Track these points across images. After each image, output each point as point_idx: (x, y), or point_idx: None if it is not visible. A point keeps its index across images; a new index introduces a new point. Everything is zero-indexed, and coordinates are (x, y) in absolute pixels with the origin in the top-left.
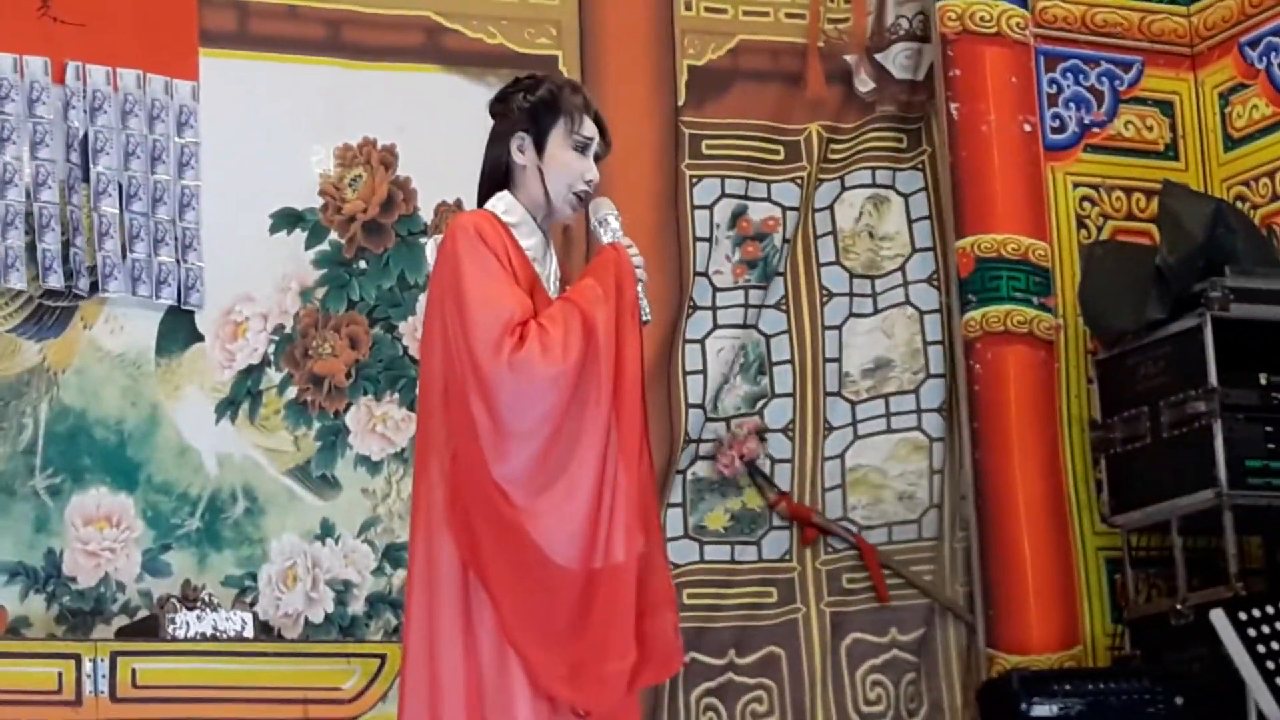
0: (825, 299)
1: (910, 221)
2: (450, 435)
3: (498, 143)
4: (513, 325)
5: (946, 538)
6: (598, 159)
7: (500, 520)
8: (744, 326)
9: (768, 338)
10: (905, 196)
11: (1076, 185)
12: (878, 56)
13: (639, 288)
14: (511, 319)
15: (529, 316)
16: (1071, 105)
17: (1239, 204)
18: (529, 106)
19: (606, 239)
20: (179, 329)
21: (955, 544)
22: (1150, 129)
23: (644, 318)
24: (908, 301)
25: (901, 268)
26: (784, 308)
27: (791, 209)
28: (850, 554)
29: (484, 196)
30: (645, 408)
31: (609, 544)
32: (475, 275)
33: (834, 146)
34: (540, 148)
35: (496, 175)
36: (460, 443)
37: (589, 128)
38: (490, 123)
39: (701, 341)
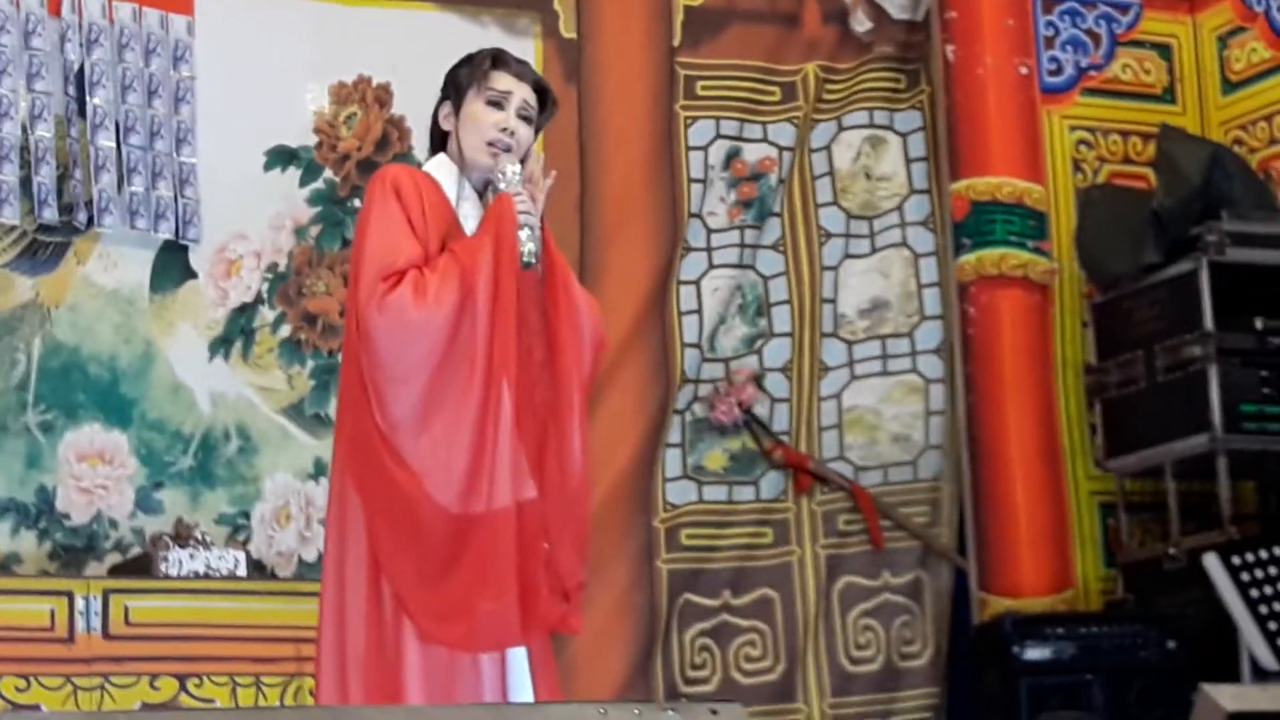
0: (823, 239)
1: (908, 162)
2: (347, 393)
3: (433, 120)
4: (390, 271)
5: (949, 478)
6: (528, 120)
7: (381, 463)
8: (740, 266)
9: (765, 279)
10: (903, 136)
11: (1073, 129)
12: None
13: (524, 233)
14: (391, 265)
15: (415, 265)
16: (1068, 48)
17: (1236, 148)
18: (449, 78)
19: (500, 189)
20: (173, 266)
21: (955, 484)
22: (1148, 72)
23: (525, 260)
24: (904, 243)
25: (899, 208)
26: (781, 249)
27: (788, 149)
28: (847, 494)
29: None
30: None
31: (492, 488)
32: (376, 224)
33: (830, 87)
34: (458, 110)
35: (434, 148)
36: (356, 387)
37: (501, 81)
38: None
39: (696, 282)
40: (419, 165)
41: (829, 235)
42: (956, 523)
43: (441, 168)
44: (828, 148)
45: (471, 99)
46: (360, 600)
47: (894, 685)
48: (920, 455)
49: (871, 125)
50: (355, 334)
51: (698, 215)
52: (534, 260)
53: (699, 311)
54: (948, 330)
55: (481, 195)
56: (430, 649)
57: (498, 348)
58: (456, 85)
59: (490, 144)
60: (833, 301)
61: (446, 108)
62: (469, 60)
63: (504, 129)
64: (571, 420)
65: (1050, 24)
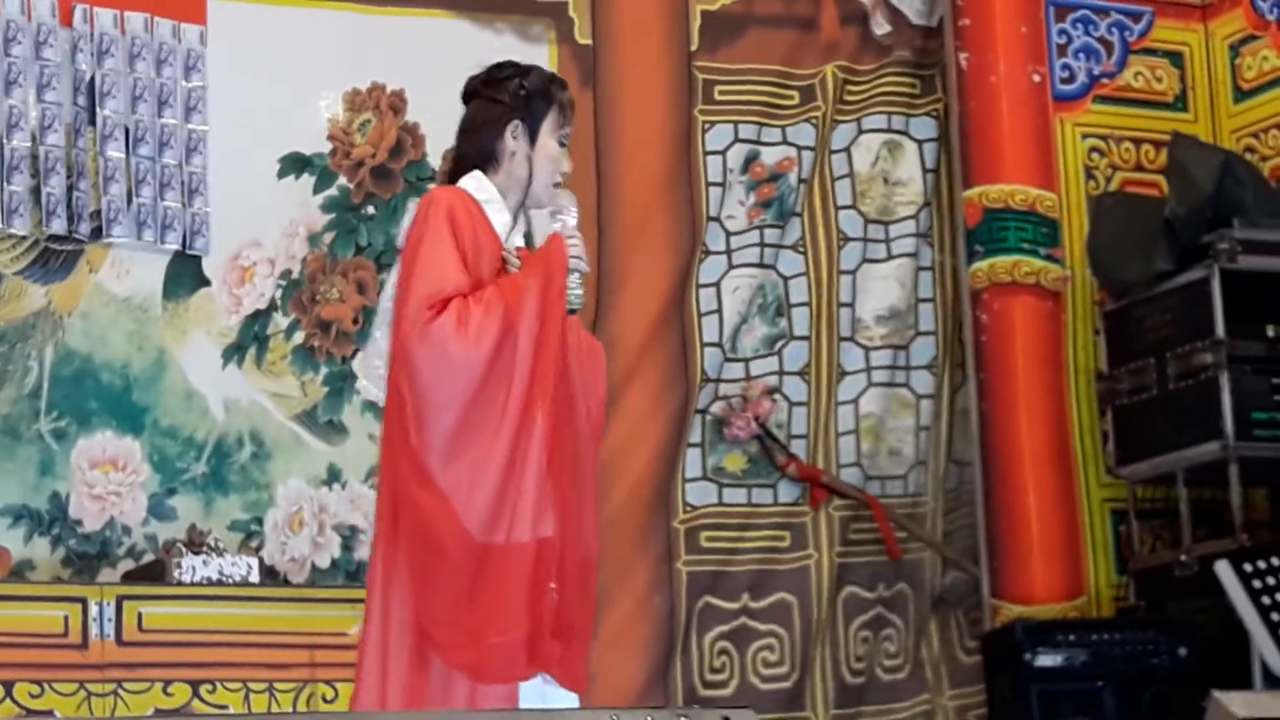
0: (842, 242)
1: (924, 171)
2: (393, 402)
3: (489, 127)
4: (438, 298)
5: (933, 493)
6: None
7: (409, 489)
8: (761, 266)
9: (785, 279)
10: (919, 143)
11: (1085, 136)
12: (893, 0)
13: (574, 278)
14: (439, 292)
15: (461, 294)
16: (1081, 56)
17: (1248, 156)
18: (525, 95)
19: (555, 229)
20: (186, 273)
21: (937, 502)
22: (1160, 80)
23: (572, 306)
24: (915, 254)
25: (915, 215)
26: (801, 249)
27: (808, 149)
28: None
29: (456, 175)
30: (572, 399)
31: (513, 522)
32: (428, 250)
33: (850, 88)
34: (533, 136)
35: (479, 157)
36: (391, 410)
37: (570, 125)
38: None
39: (716, 284)
40: (433, 173)
41: (847, 239)
42: (940, 536)
43: (484, 189)
44: (848, 150)
45: (549, 132)
46: (404, 653)
47: (883, 698)
48: (910, 470)
49: (889, 130)
50: (399, 356)
51: (716, 219)
52: (581, 305)
53: (719, 311)
54: (943, 343)
55: (514, 218)
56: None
57: (535, 387)
58: (531, 109)
59: (556, 185)
60: (850, 306)
61: (517, 127)
62: (540, 80)
63: (565, 172)
64: (593, 476)
65: (1063, 32)
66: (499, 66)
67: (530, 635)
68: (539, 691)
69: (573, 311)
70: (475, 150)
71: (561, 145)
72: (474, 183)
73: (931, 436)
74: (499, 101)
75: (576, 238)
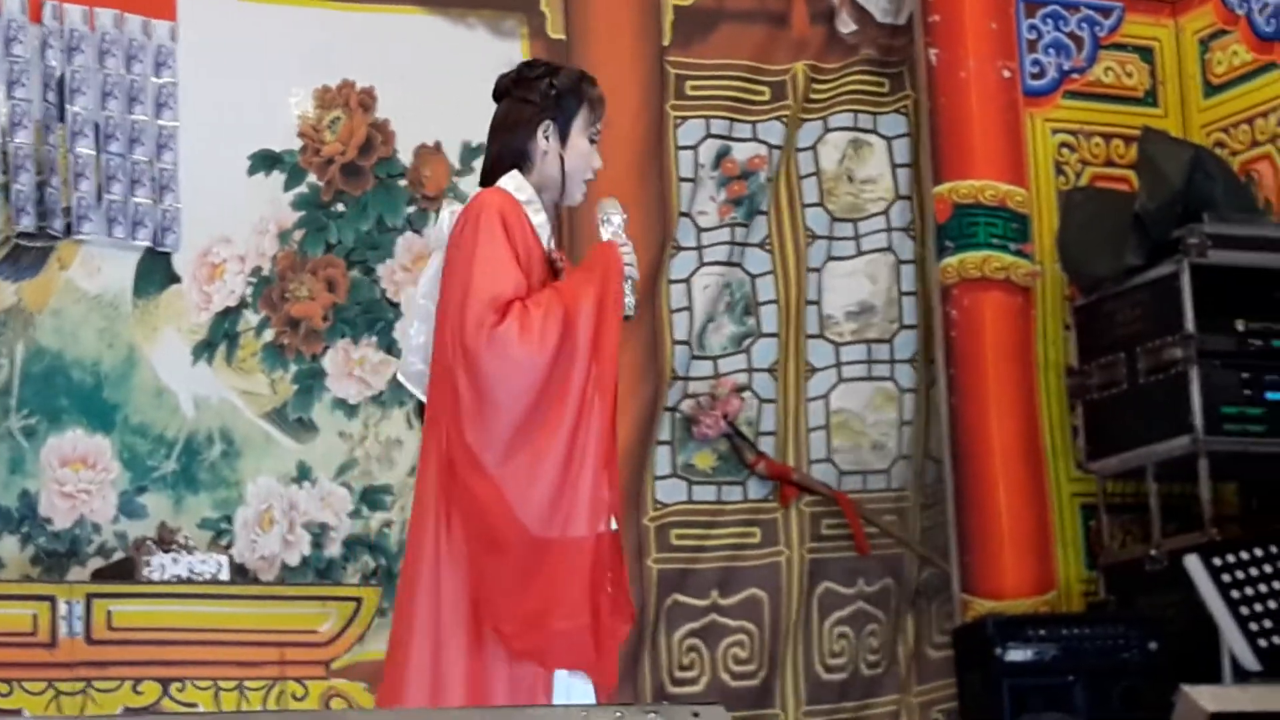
0: (809, 240)
1: (894, 167)
2: (440, 404)
3: (521, 127)
4: (500, 303)
5: (915, 488)
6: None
7: (467, 485)
8: (729, 264)
9: (753, 277)
10: (888, 140)
11: (1055, 131)
12: None
13: (627, 285)
14: (500, 297)
15: (520, 297)
16: (1051, 51)
17: (1218, 150)
18: (556, 94)
19: (605, 236)
20: (156, 270)
21: (918, 497)
22: (1130, 75)
23: (627, 313)
24: (890, 248)
25: (885, 212)
26: (768, 247)
27: (777, 147)
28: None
29: (493, 174)
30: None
31: (569, 516)
32: (485, 252)
33: (816, 86)
34: (564, 135)
35: (513, 157)
36: (447, 411)
37: (601, 122)
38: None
39: (687, 280)
40: (404, 169)
41: (814, 236)
42: (920, 532)
43: (523, 190)
44: (814, 148)
45: (579, 131)
46: (460, 629)
47: (863, 694)
48: (893, 464)
49: (855, 128)
50: (454, 354)
51: (687, 214)
52: (634, 312)
53: (689, 308)
54: (922, 337)
55: (549, 217)
56: (518, 682)
57: (591, 389)
58: (562, 107)
59: (587, 181)
60: (817, 303)
61: (549, 127)
62: (570, 79)
63: (597, 168)
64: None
65: (1033, 27)
66: (529, 65)
67: (593, 624)
68: (565, 684)
69: (627, 318)
70: (508, 150)
71: (592, 142)
72: (513, 183)
73: (914, 431)
74: (530, 101)
75: (628, 245)
